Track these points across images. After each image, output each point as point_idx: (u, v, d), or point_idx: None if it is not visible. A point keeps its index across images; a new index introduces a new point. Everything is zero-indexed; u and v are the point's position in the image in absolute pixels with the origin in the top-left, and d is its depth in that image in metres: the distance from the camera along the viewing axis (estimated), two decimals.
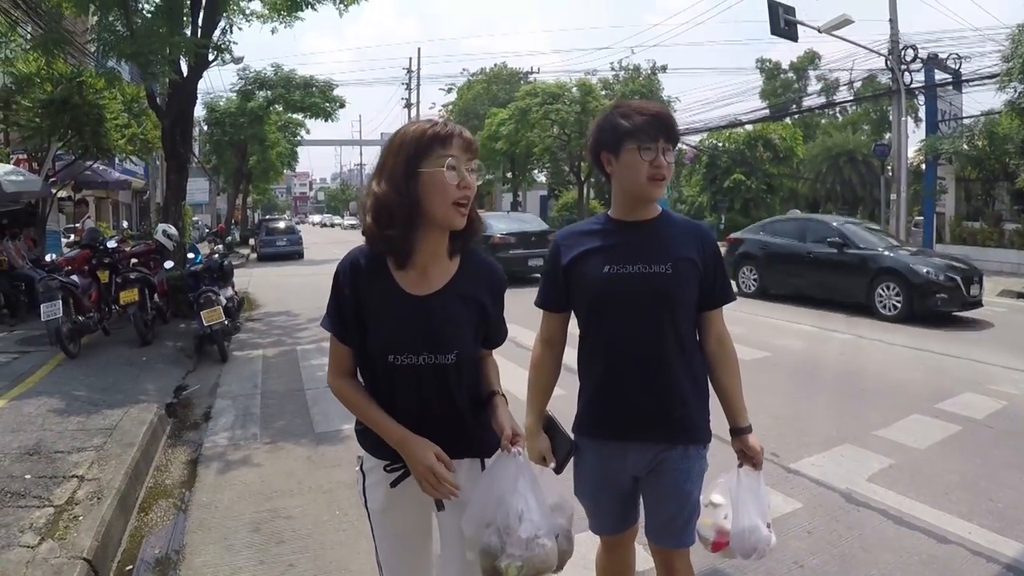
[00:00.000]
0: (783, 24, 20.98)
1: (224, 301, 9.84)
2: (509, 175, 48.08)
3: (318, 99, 31.70)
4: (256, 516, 4.70)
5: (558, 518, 2.32)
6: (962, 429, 6.42)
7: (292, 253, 29.93)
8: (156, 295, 10.80)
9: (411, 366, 2.13)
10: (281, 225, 33.58)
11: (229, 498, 5.04)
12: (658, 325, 2.43)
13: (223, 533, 4.50)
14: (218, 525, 4.62)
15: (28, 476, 5.00)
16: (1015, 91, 19.99)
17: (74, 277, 10.02)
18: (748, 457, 2.59)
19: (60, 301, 8.85)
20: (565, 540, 2.35)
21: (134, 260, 11.11)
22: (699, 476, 2.55)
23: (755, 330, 10.67)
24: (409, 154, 2.06)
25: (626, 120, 2.41)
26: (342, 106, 32.32)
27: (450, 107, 61.39)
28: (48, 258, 10.84)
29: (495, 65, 56.47)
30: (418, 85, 57.77)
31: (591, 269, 2.49)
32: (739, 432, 2.60)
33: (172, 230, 11.66)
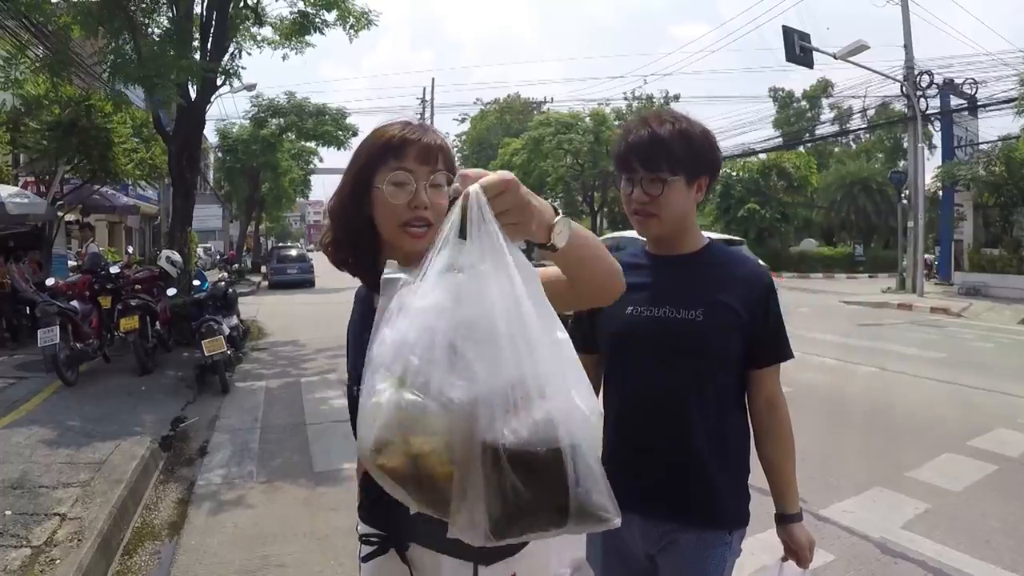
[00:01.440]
0: (799, 51, 20.82)
1: (227, 330, 9.60)
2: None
3: (331, 127, 31.71)
4: (247, 563, 4.39)
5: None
6: (998, 468, 6.10)
7: (303, 281, 29.64)
8: (158, 323, 10.55)
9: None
10: (293, 253, 33.40)
11: (219, 542, 4.74)
12: (680, 380, 2.02)
13: None
14: (206, 572, 4.32)
15: (8, 512, 4.74)
16: None
17: (74, 303, 9.81)
18: (792, 551, 2.11)
19: (58, 327, 8.60)
20: None
21: (137, 286, 10.89)
22: (718, 567, 2.07)
23: None
24: (361, 165, 1.69)
25: (616, 148, 2.11)
26: (355, 135, 32.28)
27: (464, 136, 61.82)
28: (48, 282, 10.61)
29: (508, 95, 56.81)
30: (432, 114, 57.99)
31: (613, 308, 2.03)
32: (783, 520, 2.11)
33: (176, 256, 11.45)
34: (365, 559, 1.82)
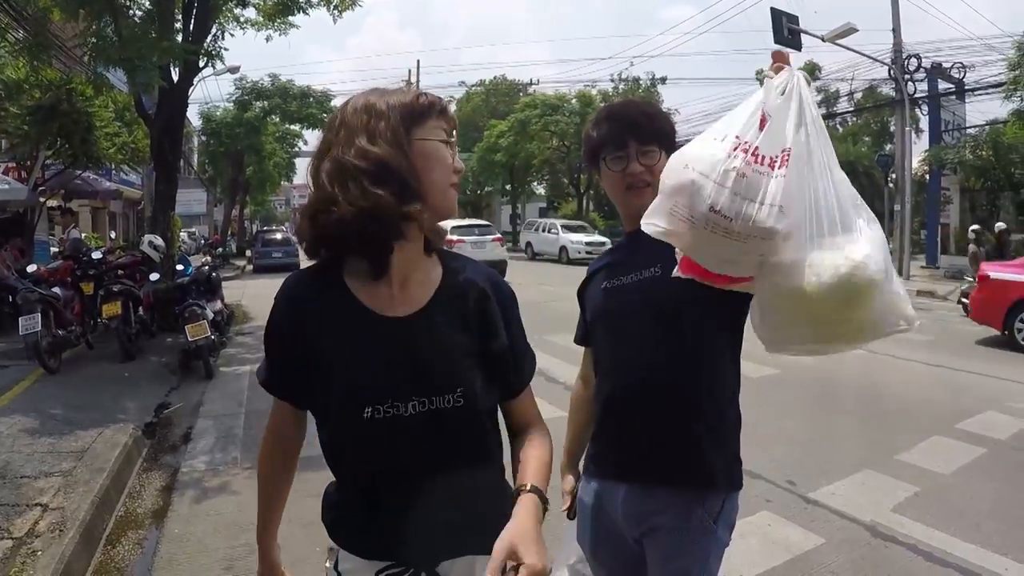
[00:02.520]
0: (787, 33, 20.67)
1: (211, 315, 9.49)
2: (508, 187, 48.00)
3: (315, 110, 31.46)
4: (230, 552, 4.33)
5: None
6: (987, 451, 6.11)
7: (288, 264, 29.36)
8: (141, 308, 10.42)
9: (395, 419, 1.50)
10: (277, 236, 33.21)
11: (203, 531, 4.67)
12: (656, 340, 2.02)
13: (193, 571, 4.15)
14: (188, 562, 4.26)
15: None
16: (1022, 100, 19.73)
17: (56, 289, 9.67)
18: None
19: (40, 314, 8.49)
20: None
21: (120, 271, 10.75)
22: (703, 554, 2.01)
23: (761, 345, 10.06)
24: (402, 116, 1.51)
25: (594, 131, 2.18)
26: None
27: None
28: (30, 269, 10.46)
29: (494, 77, 56.53)
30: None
31: (593, 289, 2.25)
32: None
33: (159, 241, 11.30)
34: None
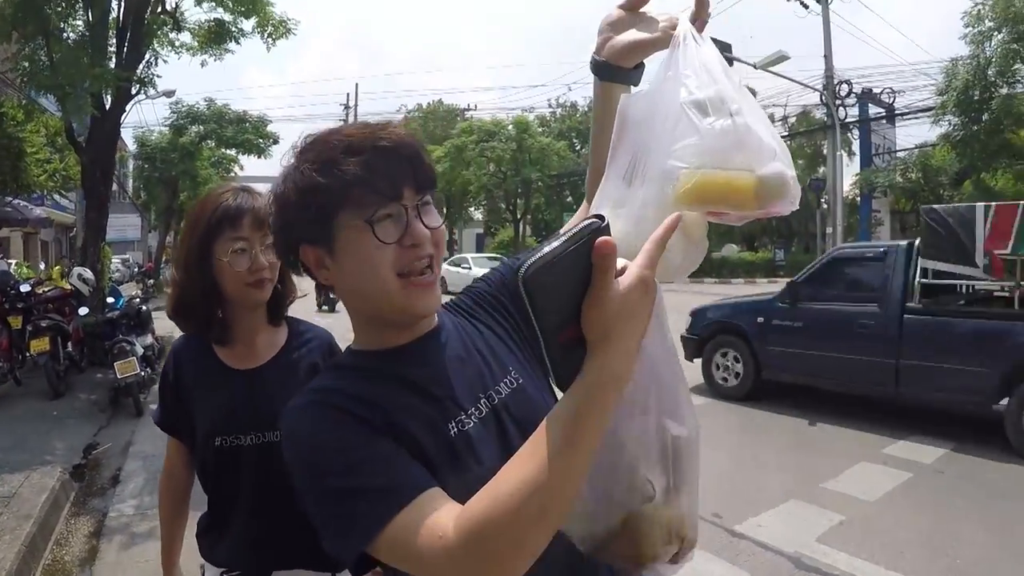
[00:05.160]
0: None
1: (141, 350, 9.30)
2: (445, 211, 48.01)
3: (251, 135, 31.02)
4: None
5: None
6: (912, 476, 6.28)
7: None
8: (70, 343, 10.17)
9: (237, 448, 1.97)
10: None
11: None
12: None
13: None
14: None
15: None
16: (950, 124, 20.40)
17: None
18: None
19: None
20: None
21: (49, 305, 10.49)
22: None
23: (686, 371, 10.25)
24: (202, 234, 1.93)
25: (327, 175, 1.14)
26: (276, 142, 31.52)
27: None
28: None
29: (431, 102, 56.72)
30: (355, 121, 57.37)
31: (427, 438, 1.18)
32: None
33: (88, 274, 11.02)
34: None
